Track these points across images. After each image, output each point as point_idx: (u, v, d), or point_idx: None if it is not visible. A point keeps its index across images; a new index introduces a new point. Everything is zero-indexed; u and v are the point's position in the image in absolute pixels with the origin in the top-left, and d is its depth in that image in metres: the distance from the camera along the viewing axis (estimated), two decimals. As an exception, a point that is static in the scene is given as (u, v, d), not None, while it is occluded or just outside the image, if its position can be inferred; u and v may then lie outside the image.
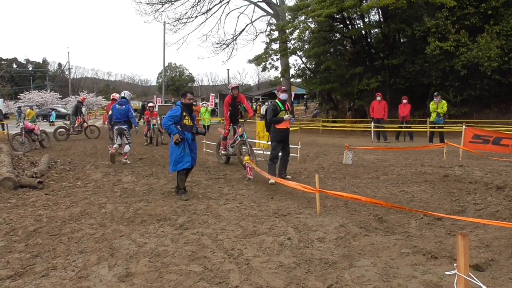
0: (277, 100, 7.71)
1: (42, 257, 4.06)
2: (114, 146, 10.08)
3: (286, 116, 7.51)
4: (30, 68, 79.66)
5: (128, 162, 9.92)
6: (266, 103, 25.70)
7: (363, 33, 22.78)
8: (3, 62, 72.95)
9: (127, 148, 10.18)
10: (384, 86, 20.65)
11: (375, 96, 16.03)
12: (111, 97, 12.57)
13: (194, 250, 4.10)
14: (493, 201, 5.64)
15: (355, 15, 22.32)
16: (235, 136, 9.39)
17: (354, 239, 4.28)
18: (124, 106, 10.23)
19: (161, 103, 32.90)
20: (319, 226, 4.71)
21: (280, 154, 7.71)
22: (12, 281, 3.54)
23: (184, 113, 6.51)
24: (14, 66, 77.79)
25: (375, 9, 21.00)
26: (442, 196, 6.12)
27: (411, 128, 15.44)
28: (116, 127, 10.21)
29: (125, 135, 10.18)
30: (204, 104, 25.39)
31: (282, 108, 7.59)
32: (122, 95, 10.74)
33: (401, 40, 22.26)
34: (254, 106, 39.38)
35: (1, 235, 4.75)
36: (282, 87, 8.10)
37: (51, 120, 30.10)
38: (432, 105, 13.87)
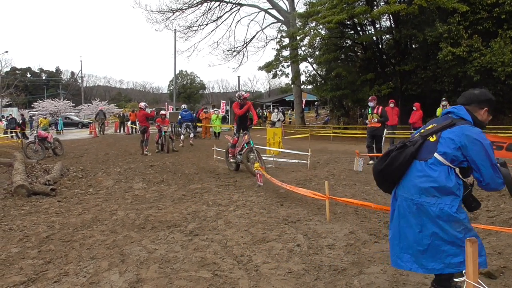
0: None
1: (55, 263, 4.11)
2: (181, 138, 17.62)
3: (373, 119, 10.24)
4: (44, 77, 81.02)
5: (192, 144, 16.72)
6: (275, 110, 25.68)
7: (374, 39, 22.70)
8: (17, 71, 74.36)
9: (192, 135, 18.29)
10: (396, 92, 20.51)
11: (388, 103, 15.89)
12: (139, 106, 15.61)
13: (204, 256, 4.11)
14: (506, 208, 5.56)
15: (366, 21, 22.27)
16: (242, 143, 9.44)
17: (364, 246, 4.26)
18: (187, 113, 19.56)
19: (173, 110, 33.14)
20: (329, 233, 4.69)
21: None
22: (25, 286, 3.59)
23: None
24: (28, 75, 79.20)
25: (386, 15, 20.92)
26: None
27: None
28: (184, 124, 18.75)
29: (190, 129, 18.57)
30: (215, 111, 25.51)
31: (370, 112, 10.35)
32: (184, 107, 20.66)
33: (413, 46, 22.13)
34: (265, 113, 39.51)
35: (15, 241, 4.83)
36: (370, 97, 10.74)
37: (58, 129, 30.48)
38: (438, 111, 13.68)
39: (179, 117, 20.36)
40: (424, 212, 2.54)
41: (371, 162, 10.29)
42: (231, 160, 9.95)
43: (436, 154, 2.55)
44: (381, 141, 10.67)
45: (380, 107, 10.44)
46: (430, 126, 2.77)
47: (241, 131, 9.60)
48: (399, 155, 2.68)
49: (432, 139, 2.63)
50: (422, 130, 2.80)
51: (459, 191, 2.52)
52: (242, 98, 9.68)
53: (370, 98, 10.68)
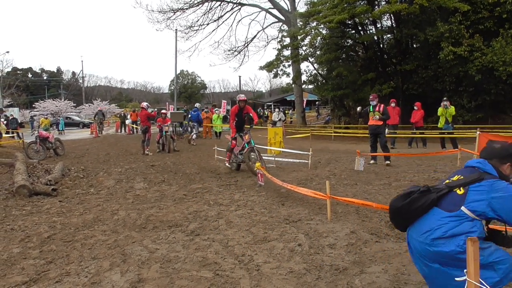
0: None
1: (56, 263, 4.12)
2: (193, 137, 18.56)
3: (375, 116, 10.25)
4: (45, 77, 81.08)
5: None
6: (277, 110, 25.68)
7: (375, 38, 22.68)
8: (18, 71, 74.42)
9: (194, 136, 18.57)
10: (397, 92, 20.51)
11: (389, 102, 15.87)
12: (141, 106, 15.74)
13: (205, 256, 4.11)
14: None
15: (367, 21, 22.24)
16: (243, 143, 9.46)
17: (365, 246, 4.26)
18: (196, 113, 20.36)
19: (174, 110, 33.17)
20: (330, 233, 4.69)
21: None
22: (27, 287, 3.60)
23: None
24: (29, 75, 79.23)
25: (387, 14, 20.90)
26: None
27: (424, 134, 15.25)
28: (191, 123, 19.96)
29: (193, 128, 19.40)
30: (216, 111, 25.52)
31: (371, 110, 10.32)
32: (196, 106, 21.42)
33: (414, 46, 22.10)
34: (266, 113, 39.50)
35: (16, 242, 4.84)
36: (371, 95, 10.84)
37: (60, 129, 30.53)
38: (439, 110, 13.66)
39: (189, 116, 21.12)
40: (440, 254, 2.54)
41: (372, 162, 10.29)
42: (227, 165, 9.99)
43: (463, 208, 2.53)
44: (384, 137, 10.51)
45: (382, 105, 10.36)
46: (455, 177, 2.76)
47: (238, 132, 9.68)
48: (421, 198, 2.67)
49: (460, 192, 2.61)
50: (447, 181, 2.79)
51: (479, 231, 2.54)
52: (238, 101, 9.82)
53: (371, 96, 10.65)
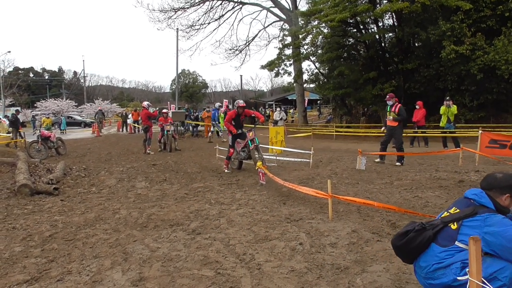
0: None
1: (58, 262, 4.13)
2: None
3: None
4: (46, 77, 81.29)
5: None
6: (278, 109, 25.67)
7: (377, 37, 22.65)
8: (20, 71, 74.58)
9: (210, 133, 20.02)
10: (399, 91, 20.44)
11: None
12: (142, 105, 15.92)
13: (206, 255, 4.11)
14: None
15: (368, 20, 22.19)
16: (246, 140, 9.44)
17: (366, 245, 4.25)
18: (214, 111, 20.64)
19: (175, 109, 33.19)
20: (331, 232, 4.69)
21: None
22: (28, 285, 3.60)
23: None
24: (31, 75, 79.44)
25: (389, 13, 20.85)
26: (457, 201, 6.01)
27: (425, 133, 15.20)
28: (213, 122, 20.35)
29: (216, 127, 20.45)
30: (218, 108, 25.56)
31: (388, 110, 10.24)
32: (217, 106, 21.49)
33: (416, 44, 22.03)
34: (267, 112, 39.49)
35: (18, 240, 4.84)
36: (388, 95, 10.59)
37: (61, 128, 30.59)
38: (442, 109, 13.61)
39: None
40: (442, 286, 2.59)
41: (377, 160, 10.23)
42: (226, 170, 9.86)
43: (457, 243, 2.57)
44: (401, 140, 10.16)
45: (399, 105, 10.09)
46: (452, 210, 2.78)
47: (239, 130, 9.69)
48: (417, 237, 2.70)
49: (454, 226, 2.64)
50: (445, 213, 2.81)
51: None
52: (237, 107, 9.83)
53: (387, 96, 10.47)
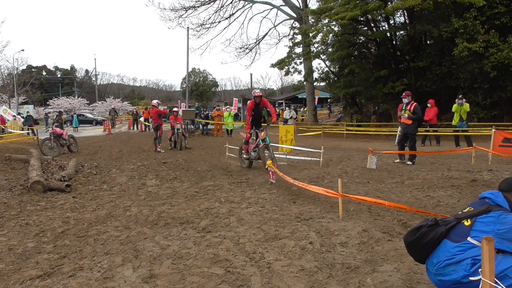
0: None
1: (70, 258, 4.17)
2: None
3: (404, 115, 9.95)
4: (59, 75, 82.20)
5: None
6: (287, 108, 25.61)
7: (388, 35, 22.45)
8: (33, 69, 75.45)
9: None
10: (410, 89, 20.22)
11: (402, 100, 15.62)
12: (152, 104, 15.84)
13: (216, 253, 4.12)
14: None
15: (379, 17, 22.06)
16: (257, 140, 9.41)
17: (377, 244, 4.21)
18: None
19: (185, 108, 33.34)
20: (342, 231, 4.66)
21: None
22: (41, 280, 3.65)
23: None
24: (44, 73, 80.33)
25: (400, 10, 20.68)
26: (469, 201, 5.93)
27: (437, 132, 15.02)
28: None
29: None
30: (227, 109, 25.58)
31: (404, 108, 10.01)
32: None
33: (428, 42, 21.83)
34: (277, 111, 39.42)
35: (31, 236, 4.91)
36: (404, 93, 10.38)
37: (74, 126, 30.95)
38: (454, 107, 13.42)
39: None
40: (452, 282, 2.58)
41: (397, 161, 10.10)
42: (245, 156, 9.93)
43: (469, 238, 2.57)
44: (414, 139, 9.97)
45: (415, 104, 9.87)
46: (467, 209, 2.79)
47: (254, 128, 9.59)
48: (429, 233, 2.70)
49: (467, 223, 2.65)
50: (460, 212, 2.82)
51: None
52: (254, 96, 9.64)
53: (404, 94, 10.25)
